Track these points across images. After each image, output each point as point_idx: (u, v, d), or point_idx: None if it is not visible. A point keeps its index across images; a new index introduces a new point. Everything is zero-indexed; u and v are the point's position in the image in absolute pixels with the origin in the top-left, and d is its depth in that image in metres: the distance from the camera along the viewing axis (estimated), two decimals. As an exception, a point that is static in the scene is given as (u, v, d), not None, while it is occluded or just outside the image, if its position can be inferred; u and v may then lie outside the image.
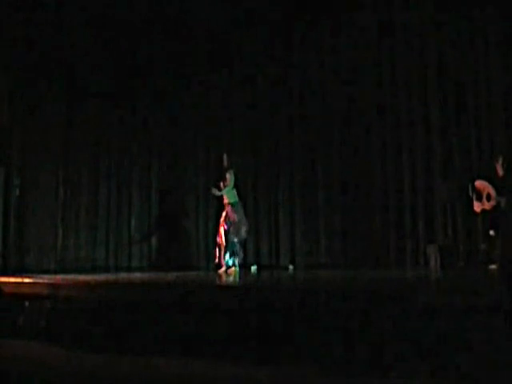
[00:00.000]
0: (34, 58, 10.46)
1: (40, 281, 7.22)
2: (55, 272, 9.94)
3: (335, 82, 10.98)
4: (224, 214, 10.11)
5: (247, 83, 11.80)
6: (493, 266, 8.28)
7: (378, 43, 10.60)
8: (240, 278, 8.76)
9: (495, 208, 8.27)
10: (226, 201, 10.03)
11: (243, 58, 11.64)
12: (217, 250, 10.18)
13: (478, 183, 8.46)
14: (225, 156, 10.17)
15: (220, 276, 9.15)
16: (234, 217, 9.97)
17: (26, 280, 7.26)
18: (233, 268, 9.90)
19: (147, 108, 12.00)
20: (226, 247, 9.95)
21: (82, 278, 8.05)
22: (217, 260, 10.20)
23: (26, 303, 6.56)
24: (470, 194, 8.48)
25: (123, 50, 11.18)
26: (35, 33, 10.31)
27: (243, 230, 10.07)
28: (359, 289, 6.14)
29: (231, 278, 8.54)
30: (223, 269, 9.88)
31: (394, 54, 10.46)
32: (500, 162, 8.45)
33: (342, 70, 10.91)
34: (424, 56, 10.18)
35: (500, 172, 8.43)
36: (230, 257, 9.95)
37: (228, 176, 9.99)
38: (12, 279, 7.44)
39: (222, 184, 10.07)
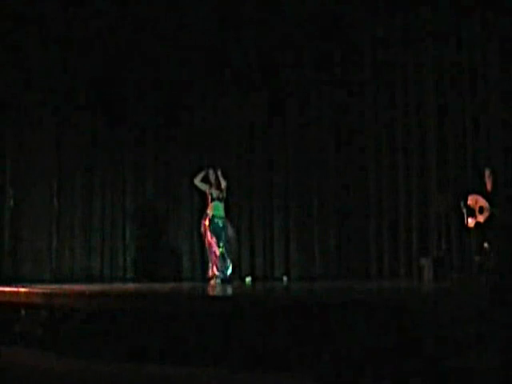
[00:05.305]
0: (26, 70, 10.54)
1: (35, 290, 7.22)
2: (50, 282, 9.95)
3: (331, 103, 11.08)
4: (206, 223, 9.84)
5: (241, 100, 11.83)
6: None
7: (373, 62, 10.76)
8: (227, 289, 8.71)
9: (489, 219, 8.35)
10: (214, 212, 9.76)
11: (236, 75, 11.69)
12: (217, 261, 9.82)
13: (470, 198, 8.53)
14: (219, 172, 9.99)
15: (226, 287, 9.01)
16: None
17: (22, 289, 7.26)
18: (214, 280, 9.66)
19: (141, 120, 12.01)
20: (217, 258, 9.78)
21: (76, 287, 8.06)
22: (211, 272, 9.97)
23: (22, 312, 6.59)
24: (463, 210, 8.56)
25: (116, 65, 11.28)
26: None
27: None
28: (349, 299, 6.17)
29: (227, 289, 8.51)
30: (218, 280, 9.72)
31: (391, 71, 10.59)
32: (487, 174, 8.54)
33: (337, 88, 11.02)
34: (420, 73, 10.31)
35: (489, 185, 8.51)
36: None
37: (224, 184, 9.80)
38: (7, 288, 7.45)
39: (213, 182, 9.82)
